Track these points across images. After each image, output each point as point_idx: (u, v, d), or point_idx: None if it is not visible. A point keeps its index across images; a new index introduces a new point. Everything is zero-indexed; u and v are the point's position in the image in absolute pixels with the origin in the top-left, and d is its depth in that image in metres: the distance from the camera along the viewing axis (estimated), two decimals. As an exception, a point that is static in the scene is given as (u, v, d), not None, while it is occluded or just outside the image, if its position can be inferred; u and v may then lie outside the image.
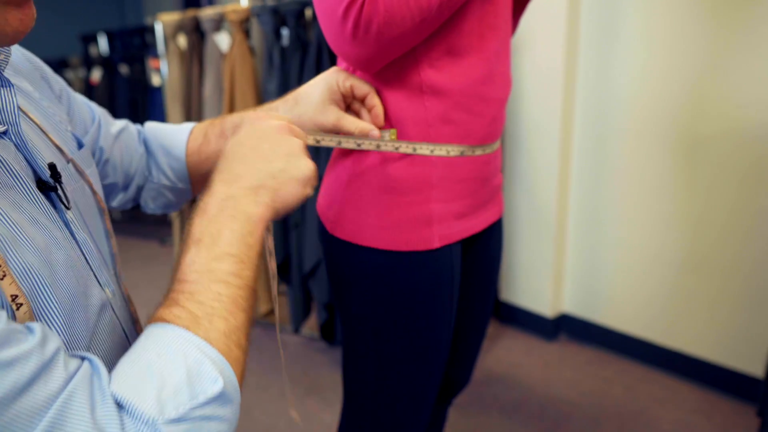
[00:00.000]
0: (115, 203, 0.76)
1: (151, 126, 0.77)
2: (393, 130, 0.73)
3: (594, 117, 1.95)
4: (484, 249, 0.91)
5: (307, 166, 0.56)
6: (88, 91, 3.97)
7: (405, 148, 0.72)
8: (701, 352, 1.81)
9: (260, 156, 0.54)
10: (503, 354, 2.08)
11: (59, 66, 4.18)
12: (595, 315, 2.11)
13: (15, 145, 0.45)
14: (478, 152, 0.77)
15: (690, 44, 1.67)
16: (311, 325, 2.32)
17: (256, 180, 0.52)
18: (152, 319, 0.43)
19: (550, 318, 2.16)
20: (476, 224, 0.82)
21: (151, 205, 0.78)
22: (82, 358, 0.39)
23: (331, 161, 0.82)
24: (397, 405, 0.81)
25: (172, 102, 2.26)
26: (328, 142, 0.73)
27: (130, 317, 0.59)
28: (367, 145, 0.73)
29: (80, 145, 0.58)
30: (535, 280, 2.17)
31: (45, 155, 0.48)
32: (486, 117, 0.76)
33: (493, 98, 0.76)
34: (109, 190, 0.73)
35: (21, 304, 0.37)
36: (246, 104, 2.04)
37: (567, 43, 1.89)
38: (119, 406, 0.36)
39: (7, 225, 0.39)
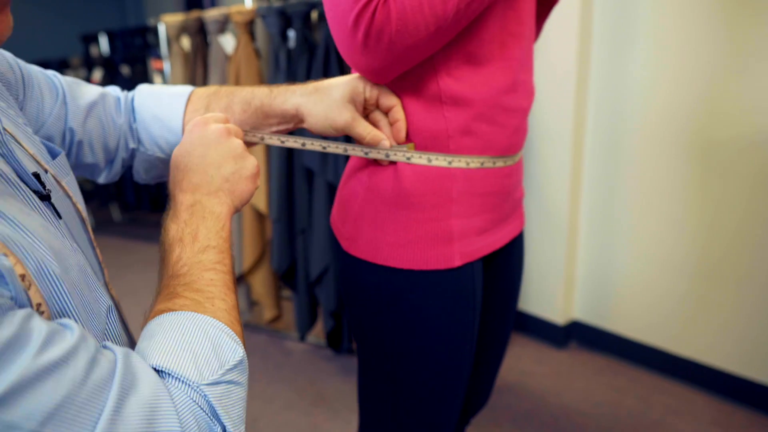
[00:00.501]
0: (101, 180, 0.72)
1: (144, 91, 0.71)
2: (411, 144, 0.69)
3: (606, 121, 1.91)
4: (506, 264, 0.87)
5: (252, 164, 0.61)
6: (89, 92, 3.93)
7: (418, 159, 0.68)
8: (716, 361, 1.77)
9: (210, 163, 0.58)
10: (513, 362, 2.04)
11: (60, 66, 4.14)
12: (606, 322, 2.07)
13: (2, 155, 0.43)
14: (499, 164, 0.73)
15: (703, 48, 1.63)
16: (317, 332, 2.28)
17: (213, 186, 0.57)
18: (154, 313, 0.47)
19: (560, 325, 2.12)
20: (498, 240, 0.78)
21: (143, 175, 0.74)
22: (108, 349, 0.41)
23: (345, 174, 0.78)
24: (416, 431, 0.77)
25: (176, 105, 2.22)
26: (292, 143, 0.69)
27: (122, 320, 0.58)
28: (374, 154, 0.69)
29: (54, 154, 0.56)
30: (545, 286, 2.13)
31: (27, 165, 0.46)
32: (508, 128, 0.72)
33: (516, 108, 0.73)
34: (91, 171, 0.70)
35: (43, 312, 0.37)
36: (251, 107, 2.00)
37: (579, 45, 1.86)
38: (162, 374, 0.40)
39: (22, 233, 0.38)
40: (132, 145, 0.70)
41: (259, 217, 2.14)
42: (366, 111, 0.70)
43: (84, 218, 0.54)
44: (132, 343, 0.53)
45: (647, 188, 1.85)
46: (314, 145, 0.70)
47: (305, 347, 2.22)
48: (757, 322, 1.66)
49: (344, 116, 0.67)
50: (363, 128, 0.68)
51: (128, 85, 3.67)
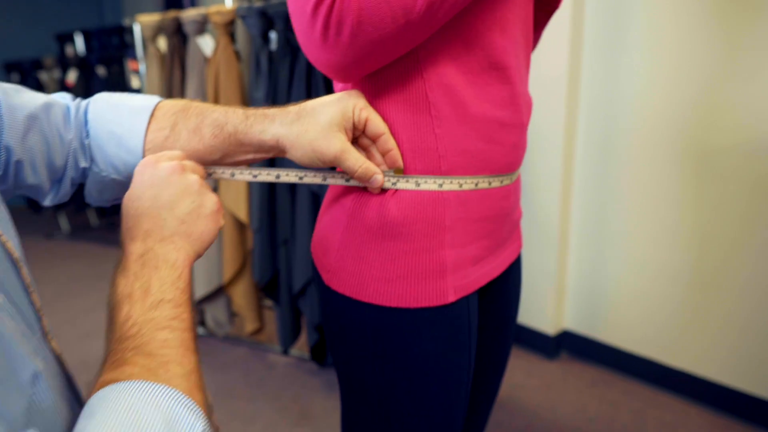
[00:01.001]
0: (47, 202, 0.62)
1: (101, 102, 0.61)
2: (398, 168, 0.61)
3: (598, 126, 1.86)
4: (502, 291, 0.80)
5: (211, 201, 0.55)
6: (64, 93, 3.80)
7: (405, 183, 0.61)
8: (711, 373, 1.73)
9: (163, 205, 0.52)
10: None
11: (33, 67, 4.00)
12: (597, 333, 2.02)
13: None
14: (495, 184, 0.65)
15: (698, 53, 1.59)
16: (301, 344, 2.20)
17: (167, 230, 0.51)
18: (98, 386, 0.40)
19: (551, 335, 2.07)
20: (495, 268, 0.71)
21: (96, 197, 0.64)
22: None
23: (326, 200, 0.70)
24: None
25: (152, 108, 2.13)
26: (265, 176, 0.61)
27: (66, 379, 0.49)
28: (356, 181, 0.61)
29: None
30: (535, 295, 2.08)
31: None
32: (506, 145, 0.65)
33: (514, 123, 0.66)
34: (35, 192, 0.60)
35: None
36: (231, 112, 1.92)
37: (571, 49, 1.80)
38: None
39: None
40: (83, 164, 0.61)
41: (240, 226, 2.05)
42: (354, 135, 0.61)
43: (15, 259, 0.45)
44: (80, 407, 0.45)
45: (640, 195, 1.80)
46: (289, 176, 0.62)
47: (288, 360, 2.14)
48: (753, 334, 1.62)
49: (334, 147, 0.58)
50: (354, 161, 0.59)
51: (104, 86, 3.56)
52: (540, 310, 2.08)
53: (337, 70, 0.57)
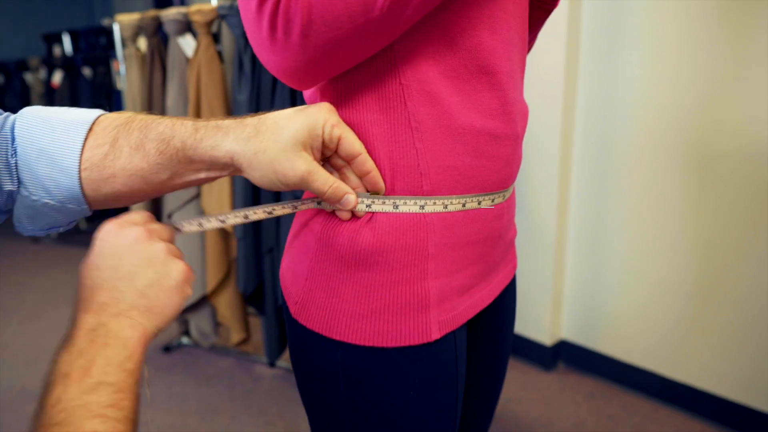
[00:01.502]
0: None
1: (31, 116, 0.52)
2: (376, 194, 0.53)
3: (595, 133, 1.79)
4: (496, 311, 0.72)
5: (177, 270, 0.50)
6: (49, 94, 3.71)
7: (381, 205, 0.53)
8: (712, 386, 1.66)
9: (122, 277, 0.48)
10: (498, 387, 1.91)
11: (18, 68, 3.91)
12: (595, 343, 1.95)
13: None
14: (486, 203, 0.57)
15: (699, 55, 1.52)
16: (287, 356, 2.12)
17: (124, 303, 0.47)
18: None
19: (547, 346, 2.00)
20: (486, 296, 0.63)
21: (28, 225, 0.56)
22: None
23: (295, 223, 0.61)
24: None
25: (132, 111, 2.05)
26: (233, 219, 0.55)
27: None
28: (327, 204, 0.54)
29: None
30: (532, 304, 2.00)
31: None
32: (497, 160, 0.57)
33: (507, 135, 0.57)
34: None
35: None
36: (213, 115, 1.84)
37: (567, 52, 1.73)
38: None
39: None
40: (8, 187, 0.52)
41: (224, 234, 1.97)
42: (324, 154, 0.53)
43: None
44: None
45: (638, 204, 1.73)
46: (257, 214, 0.55)
47: (275, 372, 2.06)
48: (755, 345, 1.55)
49: (298, 168, 0.49)
50: (322, 181, 0.51)
51: (90, 87, 3.48)
52: (536, 319, 2.01)
53: (290, 74, 0.49)
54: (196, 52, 1.85)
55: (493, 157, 0.56)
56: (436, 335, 0.55)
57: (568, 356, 2.04)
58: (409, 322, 0.54)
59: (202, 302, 2.12)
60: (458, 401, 0.60)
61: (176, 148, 0.51)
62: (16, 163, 0.52)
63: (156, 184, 0.54)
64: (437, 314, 0.55)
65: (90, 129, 0.52)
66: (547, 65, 1.77)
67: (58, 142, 0.51)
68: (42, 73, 3.81)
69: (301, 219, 0.60)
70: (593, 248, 1.89)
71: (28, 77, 3.91)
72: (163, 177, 0.53)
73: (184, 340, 2.30)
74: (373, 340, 0.54)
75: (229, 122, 0.52)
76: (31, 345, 2.41)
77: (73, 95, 3.58)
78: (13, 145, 0.52)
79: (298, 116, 0.50)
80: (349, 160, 0.52)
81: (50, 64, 3.75)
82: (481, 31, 0.52)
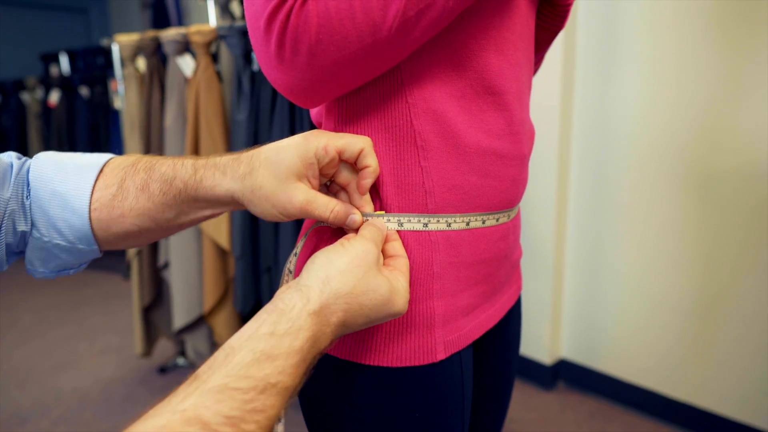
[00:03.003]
0: None
1: (45, 159, 0.55)
2: (381, 212, 0.54)
3: (593, 151, 1.81)
4: (502, 332, 0.71)
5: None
6: (46, 114, 3.71)
7: (386, 223, 0.53)
8: (714, 405, 1.65)
9: (368, 312, 0.48)
10: (499, 408, 1.89)
11: (15, 87, 3.91)
12: (595, 362, 1.94)
13: None
14: (490, 222, 0.57)
15: (696, 75, 1.54)
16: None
17: (351, 329, 0.48)
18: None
19: (547, 365, 1.99)
20: (492, 316, 0.63)
21: (39, 268, 0.57)
22: None
23: (307, 247, 0.61)
24: None
25: (131, 130, 2.05)
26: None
27: None
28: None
29: None
30: (531, 323, 1.99)
31: None
32: (503, 180, 0.57)
33: (513, 155, 0.58)
34: None
35: None
36: (212, 135, 1.84)
37: (563, 73, 1.75)
38: None
39: None
40: (22, 227, 0.54)
41: (221, 253, 1.96)
42: (325, 178, 0.54)
43: None
44: None
45: (638, 221, 1.74)
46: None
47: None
48: (758, 364, 1.55)
49: (296, 201, 0.50)
50: (323, 208, 0.51)
51: (87, 107, 3.48)
52: (536, 338, 2.00)
53: (297, 92, 0.49)
54: (195, 72, 1.86)
55: (499, 177, 0.57)
56: (441, 356, 0.54)
57: (568, 375, 2.02)
58: (413, 342, 0.53)
59: (199, 322, 2.09)
60: (465, 424, 0.59)
61: (178, 188, 0.53)
62: (30, 204, 0.53)
63: (163, 222, 0.55)
64: (442, 334, 0.54)
65: (100, 171, 0.54)
66: (543, 90, 1.78)
67: (70, 184, 0.53)
68: (39, 93, 3.82)
69: (314, 241, 0.60)
70: (592, 267, 1.89)
71: (25, 96, 3.92)
72: (169, 215, 0.55)
73: (180, 361, 2.27)
74: (377, 360, 0.53)
75: (225, 159, 0.53)
76: (24, 366, 2.37)
77: (70, 115, 3.59)
78: (27, 188, 0.54)
79: (289, 147, 0.50)
80: (356, 161, 0.52)
81: (47, 83, 3.76)
82: (488, 52, 0.53)
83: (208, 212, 0.55)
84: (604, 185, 1.80)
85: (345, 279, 0.45)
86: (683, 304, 1.68)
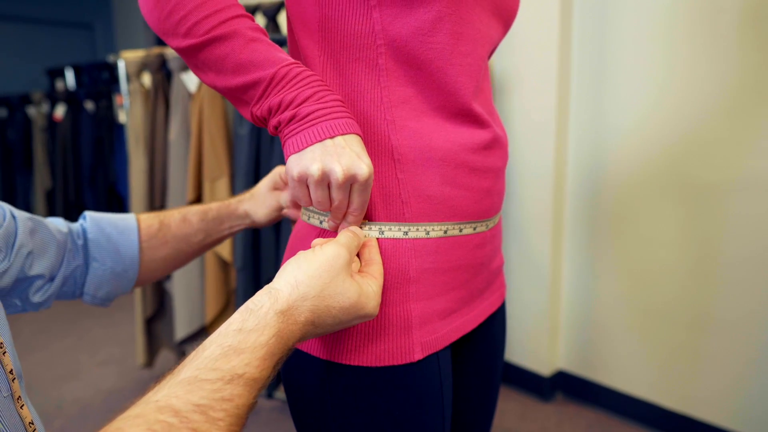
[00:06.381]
0: (37, 298, 0.67)
1: (93, 214, 0.75)
2: (364, 221, 0.58)
3: (589, 163, 1.84)
4: (486, 337, 0.74)
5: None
6: (52, 128, 3.76)
7: (368, 231, 0.57)
8: (712, 416, 1.66)
9: (338, 315, 0.52)
10: (496, 418, 1.90)
11: (21, 102, 3.97)
12: (593, 373, 1.95)
13: None
14: (467, 231, 0.61)
15: (689, 89, 1.57)
16: (286, 387, 2.12)
17: (321, 330, 0.52)
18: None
19: (545, 376, 2.00)
20: (469, 321, 0.66)
21: (93, 293, 0.74)
22: None
23: (288, 248, 0.65)
24: None
25: (135, 144, 2.09)
26: None
27: None
28: (324, 223, 0.59)
29: None
30: (528, 334, 2.01)
31: None
32: (475, 191, 0.61)
33: (487, 168, 0.62)
34: (29, 284, 0.66)
35: None
36: (215, 149, 1.88)
37: (558, 87, 1.79)
38: None
39: None
40: (77, 263, 0.71)
41: (223, 265, 1.99)
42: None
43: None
44: None
45: (633, 234, 1.77)
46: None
47: (273, 404, 2.05)
48: (755, 375, 1.56)
49: (270, 205, 0.83)
50: (292, 212, 0.82)
51: (92, 121, 3.54)
52: (534, 349, 2.01)
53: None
54: (199, 87, 1.90)
55: (471, 188, 0.60)
56: (418, 356, 0.57)
57: (567, 387, 2.03)
58: (391, 343, 0.56)
59: (201, 333, 2.12)
60: (446, 424, 0.62)
61: (212, 216, 0.82)
62: (86, 244, 0.72)
63: (195, 245, 0.80)
64: (420, 336, 0.58)
65: (136, 218, 0.76)
66: (539, 98, 1.82)
67: (121, 224, 0.75)
68: (45, 107, 3.87)
69: (291, 244, 0.63)
70: (588, 278, 1.91)
71: (31, 111, 3.97)
72: (199, 238, 0.80)
73: (181, 372, 2.29)
74: (357, 359, 0.56)
75: (245, 195, 0.87)
76: (26, 377, 2.39)
77: (75, 129, 3.64)
78: (84, 234, 0.73)
79: (263, 181, 0.87)
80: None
81: (53, 98, 3.82)
82: (461, 76, 0.57)
83: (226, 232, 0.83)
84: (600, 198, 1.83)
85: (313, 283, 0.48)
86: (680, 315, 1.70)
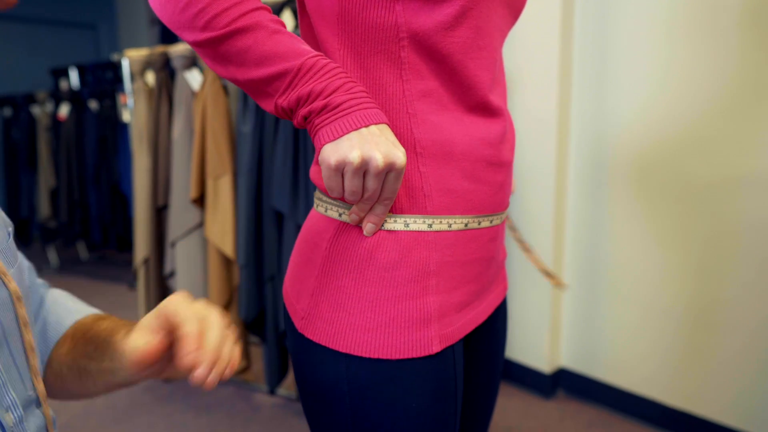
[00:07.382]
0: None
1: (55, 296, 0.67)
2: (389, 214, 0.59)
3: (590, 163, 1.85)
4: (491, 329, 0.76)
5: None
6: (56, 127, 3.79)
7: (393, 223, 0.57)
8: (713, 414, 1.67)
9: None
10: (498, 415, 1.91)
11: (25, 101, 3.99)
12: (595, 371, 1.96)
13: None
14: (485, 224, 0.62)
15: (689, 87, 1.58)
16: (288, 383, 2.13)
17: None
18: None
19: (547, 373, 2.01)
20: (481, 313, 0.67)
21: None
22: None
23: (300, 239, 0.65)
24: None
25: (139, 143, 2.10)
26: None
27: (44, 423, 0.52)
28: (344, 216, 0.59)
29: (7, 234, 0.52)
30: (530, 332, 2.02)
31: None
32: (492, 184, 0.62)
33: (501, 162, 0.63)
34: None
35: None
36: (218, 147, 1.89)
37: (560, 85, 1.80)
38: None
39: None
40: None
41: (226, 262, 2.00)
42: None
43: (24, 320, 0.49)
44: None
45: (635, 232, 1.77)
46: None
47: (276, 401, 2.06)
48: (755, 371, 1.56)
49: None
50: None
51: (96, 120, 3.56)
52: (535, 346, 2.02)
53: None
54: (203, 86, 1.92)
55: (488, 182, 0.61)
56: (436, 348, 0.58)
57: (568, 384, 2.04)
58: (411, 336, 0.57)
59: (203, 330, 2.13)
60: (457, 413, 0.63)
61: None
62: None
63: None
64: (438, 328, 0.58)
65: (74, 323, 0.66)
66: (541, 97, 1.83)
67: (55, 324, 0.66)
68: (49, 107, 3.90)
69: (303, 236, 0.64)
70: (590, 276, 1.92)
71: (36, 110, 3.99)
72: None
73: (184, 369, 2.30)
74: (377, 352, 0.57)
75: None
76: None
77: (79, 128, 3.66)
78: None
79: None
80: None
81: (57, 97, 3.84)
82: (482, 71, 0.58)
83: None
84: (601, 195, 1.84)
85: None
86: (681, 313, 1.70)
